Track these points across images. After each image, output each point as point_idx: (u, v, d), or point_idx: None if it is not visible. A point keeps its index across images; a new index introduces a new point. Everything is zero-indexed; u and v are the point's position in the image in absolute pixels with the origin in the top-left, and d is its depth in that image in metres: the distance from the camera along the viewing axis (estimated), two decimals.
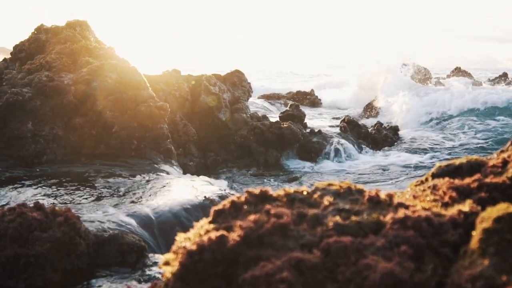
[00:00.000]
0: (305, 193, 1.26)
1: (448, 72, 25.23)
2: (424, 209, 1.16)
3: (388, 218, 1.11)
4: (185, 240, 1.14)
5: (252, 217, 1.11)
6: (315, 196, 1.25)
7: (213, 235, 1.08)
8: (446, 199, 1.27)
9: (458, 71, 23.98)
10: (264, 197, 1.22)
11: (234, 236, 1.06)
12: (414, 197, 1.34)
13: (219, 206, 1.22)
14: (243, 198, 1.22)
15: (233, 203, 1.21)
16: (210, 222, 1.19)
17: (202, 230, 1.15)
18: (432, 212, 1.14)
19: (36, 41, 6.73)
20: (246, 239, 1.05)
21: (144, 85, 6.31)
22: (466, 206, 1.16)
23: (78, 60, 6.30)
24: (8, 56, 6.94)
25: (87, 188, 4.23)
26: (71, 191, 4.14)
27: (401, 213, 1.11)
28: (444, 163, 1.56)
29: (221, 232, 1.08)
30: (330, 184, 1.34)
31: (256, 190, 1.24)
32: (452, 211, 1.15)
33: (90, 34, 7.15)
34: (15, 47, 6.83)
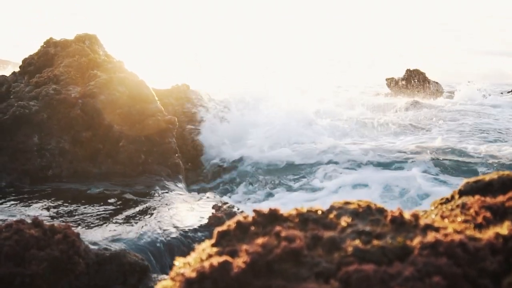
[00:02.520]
0: (319, 212, 1.13)
1: (458, 87, 24.94)
2: (457, 231, 1.02)
3: (416, 242, 0.96)
4: (184, 266, 1.01)
5: (260, 240, 0.98)
6: (331, 216, 1.12)
7: (216, 261, 0.94)
8: (479, 219, 1.12)
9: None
10: (274, 217, 1.09)
11: (239, 262, 0.93)
12: (442, 217, 1.19)
13: (223, 227, 1.08)
14: (250, 218, 1.09)
15: (239, 223, 1.08)
16: (213, 245, 1.05)
17: (204, 254, 1.02)
18: (466, 235, 1.00)
19: (45, 55, 6.70)
20: (253, 266, 0.92)
21: (153, 98, 6.23)
22: (504, 228, 1.01)
23: (86, 74, 6.24)
24: (11, 68, 6.92)
25: (91, 205, 4.11)
26: (74, 208, 4.02)
27: (430, 236, 0.97)
28: (472, 179, 1.42)
29: (225, 257, 0.95)
30: (347, 203, 1.20)
31: (265, 209, 1.11)
32: (489, 234, 1.01)
33: (99, 48, 7.11)
34: (24, 61, 6.81)
